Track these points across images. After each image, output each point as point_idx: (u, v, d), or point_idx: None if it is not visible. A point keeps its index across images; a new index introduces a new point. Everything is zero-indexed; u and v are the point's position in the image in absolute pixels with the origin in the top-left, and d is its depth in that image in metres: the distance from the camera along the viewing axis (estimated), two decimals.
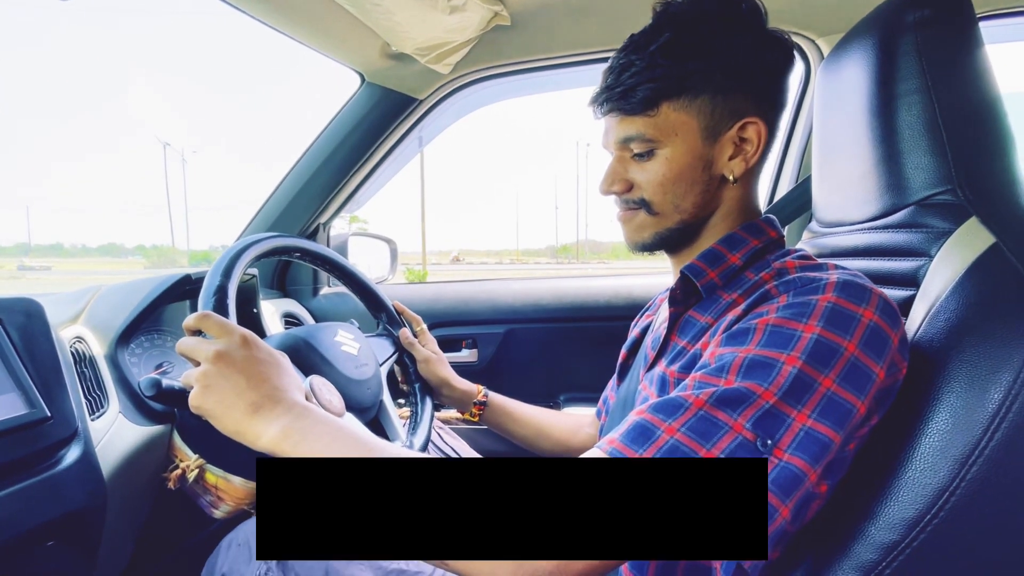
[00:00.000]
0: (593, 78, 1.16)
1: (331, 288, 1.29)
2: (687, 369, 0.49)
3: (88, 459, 0.55)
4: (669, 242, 0.57)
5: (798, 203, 0.83)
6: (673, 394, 0.42)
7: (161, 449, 0.69)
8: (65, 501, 0.51)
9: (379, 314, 0.93)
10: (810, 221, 0.70)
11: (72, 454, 0.53)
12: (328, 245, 1.26)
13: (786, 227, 0.93)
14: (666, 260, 0.62)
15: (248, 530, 0.68)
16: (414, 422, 0.84)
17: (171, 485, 0.68)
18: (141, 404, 0.68)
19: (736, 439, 0.38)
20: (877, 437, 0.42)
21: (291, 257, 0.77)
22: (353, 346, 0.78)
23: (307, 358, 0.67)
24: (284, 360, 0.52)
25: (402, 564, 0.66)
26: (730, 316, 0.47)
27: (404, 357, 0.91)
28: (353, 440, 0.45)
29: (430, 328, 1.19)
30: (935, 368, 0.40)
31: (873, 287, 0.43)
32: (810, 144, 0.79)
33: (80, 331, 0.69)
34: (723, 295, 0.52)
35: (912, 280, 0.47)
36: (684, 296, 0.54)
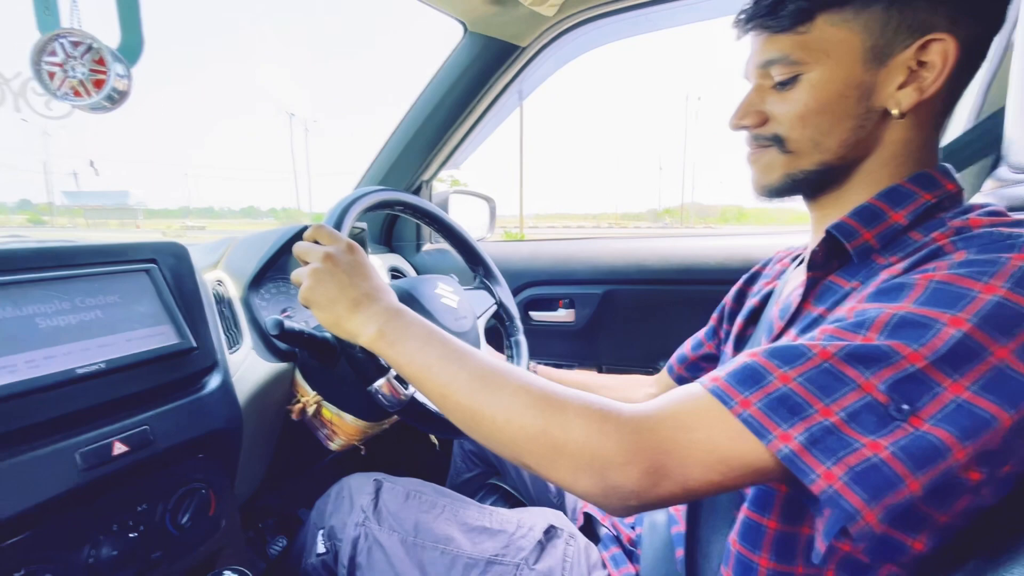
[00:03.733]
0: (706, 10, 1.03)
1: (433, 244, 1.33)
2: None
3: (227, 387, 0.62)
4: (804, 186, 0.48)
5: (978, 145, 0.67)
6: (796, 342, 0.36)
7: (286, 384, 0.77)
8: (209, 421, 0.59)
9: (476, 268, 0.93)
10: (995, 167, 0.56)
11: (214, 381, 0.61)
12: (431, 202, 1.29)
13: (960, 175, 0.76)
14: (786, 222, 0.53)
15: (351, 483, 0.74)
16: None
17: (294, 416, 0.76)
18: (268, 343, 0.75)
19: (863, 398, 0.32)
20: None
21: (395, 210, 0.79)
22: (453, 298, 0.79)
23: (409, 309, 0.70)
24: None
25: (485, 521, 0.69)
26: (884, 275, 0.39)
27: (501, 311, 0.91)
28: (443, 342, 0.47)
29: (525, 287, 1.19)
30: None
31: None
32: (1003, 69, 0.63)
33: (220, 275, 0.78)
34: (878, 259, 0.43)
35: None
36: (826, 259, 0.46)
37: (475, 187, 1.40)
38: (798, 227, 1.15)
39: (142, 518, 0.52)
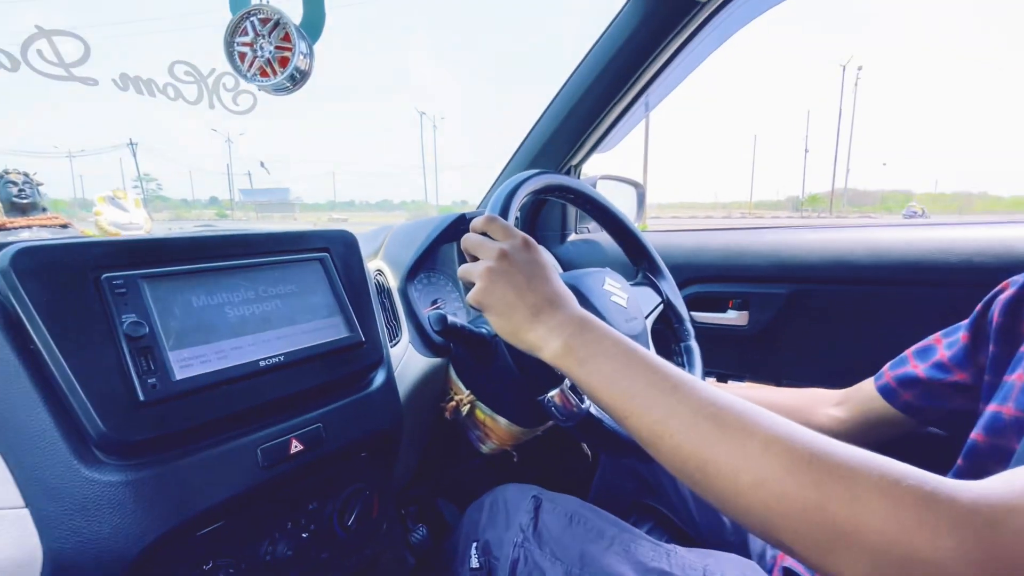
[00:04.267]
0: None
1: (578, 235, 1.24)
2: None
3: (391, 383, 0.59)
4: None
5: None
6: None
7: (440, 381, 0.73)
8: (375, 420, 0.56)
9: (640, 261, 0.82)
10: None
11: (379, 377, 0.58)
12: None
13: None
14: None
15: (508, 495, 0.67)
16: None
17: (447, 415, 0.72)
18: (425, 336, 0.72)
19: None
20: None
21: (555, 196, 0.71)
22: (622, 296, 0.69)
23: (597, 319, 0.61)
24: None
25: (663, 564, 0.58)
26: None
27: (668, 312, 0.79)
28: (647, 363, 0.39)
29: (690, 282, 1.04)
30: None
31: None
32: None
33: (380, 265, 0.76)
34: None
35: None
36: None
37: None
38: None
39: (313, 518, 0.51)
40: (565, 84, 1.02)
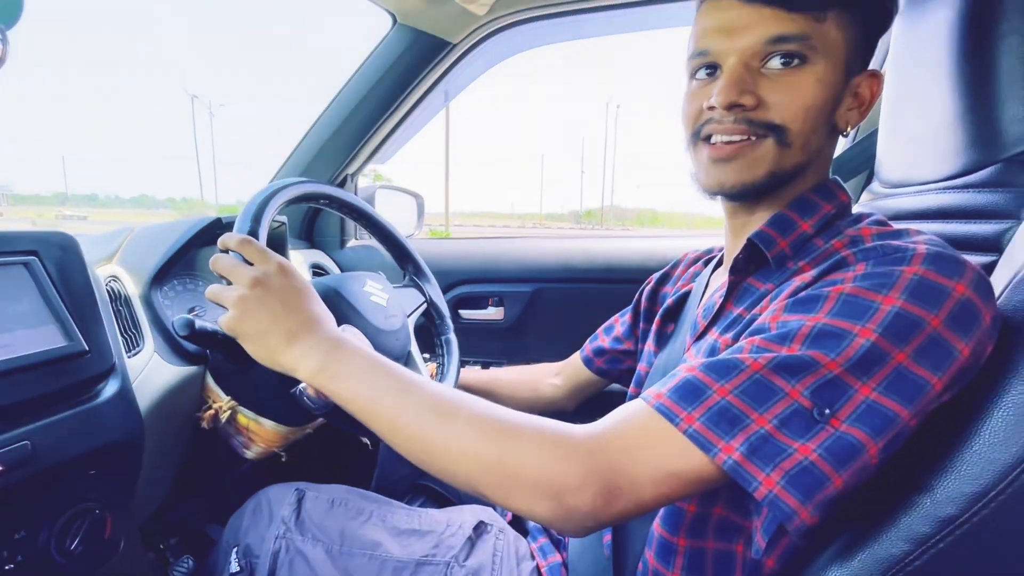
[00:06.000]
0: (632, 22, 1.08)
1: (358, 240, 1.29)
2: (740, 336, 0.46)
3: (125, 394, 0.56)
4: (774, 187, 0.47)
5: (856, 162, 0.76)
6: (727, 355, 0.40)
7: (195, 390, 0.70)
8: (104, 433, 0.52)
9: (406, 265, 0.92)
10: (869, 181, 0.65)
11: (110, 388, 0.54)
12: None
13: None
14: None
15: (270, 495, 0.69)
16: (441, 374, 0.83)
17: (204, 425, 0.70)
18: (175, 344, 0.69)
19: (791, 405, 0.36)
20: (942, 409, 0.40)
21: (319, 204, 0.75)
22: (382, 296, 0.77)
23: (337, 307, 0.67)
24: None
25: (414, 524, 0.67)
26: (796, 282, 0.43)
27: (431, 309, 0.90)
28: (388, 373, 0.45)
29: (456, 285, 1.18)
30: (1017, 339, 0.37)
31: (967, 260, 0.39)
32: None
33: (115, 270, 0.70)
34: (789, 264, 0.47)
35: (995, 245, 0.43)
36: (746, 264, 0.49)
37: (399, 183, 1.37)
38: (707, 231, 1.24)
39: (20, 547, 0.46)
40: (338, 95, 1.06)
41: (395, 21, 0.97)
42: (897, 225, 0.45)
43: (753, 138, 0.45)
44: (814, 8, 0.42)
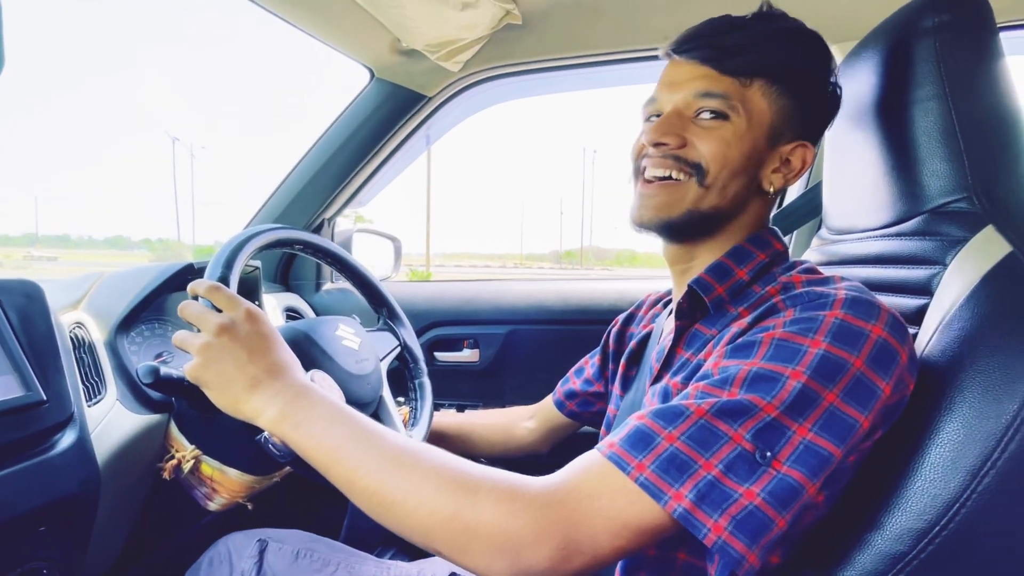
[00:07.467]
0: (604, 79, 1.15)
1: (334, 284, 1.29)
2: (689, 381, 0.48)
3: (83, 445, 0.54)
4: (693, 226, 0.52)
5: (807, 209, 0.82)
6: (674, 401, 0.41)
7: (157, 439, 0.69)
8: (58, 486, 0.51)
9: (380, 309, 0.92)
10: (819, 228, 0.69)
11: (67, 439, 0.53)
12: (333, 240, 1.25)
13: (795, 232, 0.93)
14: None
15: (230, 544, 0.67)
16: (414, 418, 0.83)
17: (166, 475, 0.68)
18: (139, 392, 0.67)
19: (735, 449, 0.37)
20: (884, 448, 0.42)
21: (293, 249, 0.76)
22: (354, 340, 0.77)
23: (307, 352, 0.67)
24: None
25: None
26: (734, 328, 0.46)
27: (405, 353, 0.90)
28: (351, 422, 0.45)
29: (430, 327, 1.19)
30: (947, 378, 0.40)
31: (882, 303, 0.42)
32: (821, 150, 0.78)
33: (80, 317, 0.69)
34: (729, 308, 0.50)
35: (925, 288, 0.46)
36: (691, 310, 0.52)
37: (381, 224, 1.39)
38: None
39: None
40: (316, 144, 1.10)
41: (372, 75, 1.02)
42: (837, 270, 0.48)
43: (682, 177, 0.50)
44: (739, 73, 0.49)
